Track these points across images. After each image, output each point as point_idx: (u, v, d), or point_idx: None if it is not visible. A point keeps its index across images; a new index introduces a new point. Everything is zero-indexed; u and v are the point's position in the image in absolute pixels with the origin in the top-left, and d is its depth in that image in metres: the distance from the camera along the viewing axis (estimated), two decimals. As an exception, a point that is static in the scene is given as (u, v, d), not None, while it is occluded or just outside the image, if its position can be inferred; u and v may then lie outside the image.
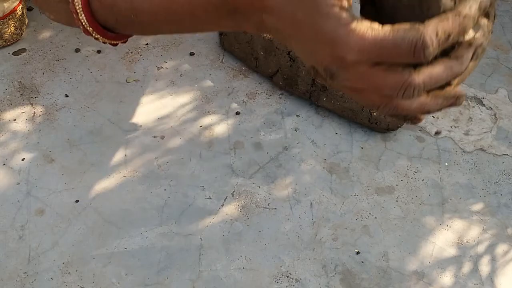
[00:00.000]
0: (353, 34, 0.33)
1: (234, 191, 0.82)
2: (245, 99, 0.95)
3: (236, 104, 0.94)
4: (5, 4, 0.93)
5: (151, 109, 0.91)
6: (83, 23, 0.46)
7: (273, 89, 0.97)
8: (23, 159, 0.83)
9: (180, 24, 0.44)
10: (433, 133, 0.87)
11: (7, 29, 0.95)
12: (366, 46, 0.33)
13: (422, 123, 0.91)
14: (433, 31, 0.32)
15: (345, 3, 0.33)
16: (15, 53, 0.98)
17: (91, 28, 0.46)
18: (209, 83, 0.97)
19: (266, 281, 0.72)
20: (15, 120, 0.88)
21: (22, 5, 0.97)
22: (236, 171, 0.84)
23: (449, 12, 0.33)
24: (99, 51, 1.00)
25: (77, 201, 0.79)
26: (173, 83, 0.96)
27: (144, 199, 0.79)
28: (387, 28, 0.32)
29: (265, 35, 0.94)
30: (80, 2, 0.45)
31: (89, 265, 0.72)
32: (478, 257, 0.76)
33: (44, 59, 0.97)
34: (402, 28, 0.32)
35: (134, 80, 0.95)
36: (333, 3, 0.33)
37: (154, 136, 0.88)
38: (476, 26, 0.34)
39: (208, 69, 0.99)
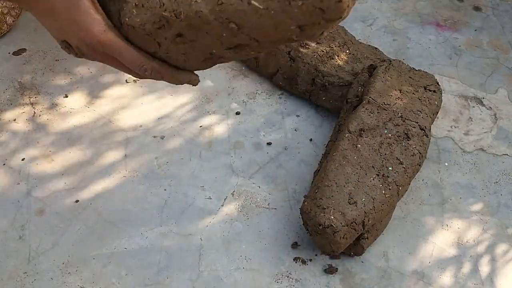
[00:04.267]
0: (105, 34, 0.48)
1: (234, 191, 0.82)
2: (245, 99, 0.95)
3: (236, 104, 0.94)
4: None
5: (151, 109, 0.91)
6: None
7: (273, 89, 0.97)
8: (23, 159, 0.83)
9: None
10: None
11: None
12: (110, 46, 0.48)
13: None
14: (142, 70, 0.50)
15: (99, 8, 0.48)
16: (15, 53, 0.98)
17: None
18: (209, 83, 0.97)
19: (266, 281, 0.72)
20: (15, 120, 0.88)
21: None
22: (236, 171, 0.84)
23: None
24: (99, 51, 1.00)
25: (77, 201, 0.79)
26: (173, 83, 0.96)
27: (144, 199, 0.79)
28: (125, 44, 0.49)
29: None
30: None
31: (89, 265, 0.72)
32: (478, 257, 0.76)
33: (44, 59, 0.97)
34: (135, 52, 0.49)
35: (134, 80, 0.95)
36: (90, 6, 0.47)
37: (154, 136, 0.88)
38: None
39: (208, 69, 0.99)
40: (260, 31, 0.44)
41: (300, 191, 0.82)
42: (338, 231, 0.69)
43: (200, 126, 0.90)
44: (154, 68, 0.52)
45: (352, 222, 0.69)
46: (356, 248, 0.73)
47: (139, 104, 0.92)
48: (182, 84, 0.55)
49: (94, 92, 0.93)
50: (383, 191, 0.72)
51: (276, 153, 0.87)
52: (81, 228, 0.76)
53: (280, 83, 0.95)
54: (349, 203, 0.70)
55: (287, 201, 0.81)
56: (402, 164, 0.74)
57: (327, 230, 0.69)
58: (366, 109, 0.80)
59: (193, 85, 0.56)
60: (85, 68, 0.96)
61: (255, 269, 0.73)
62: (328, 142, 0.84)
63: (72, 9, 0.47)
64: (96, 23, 0.48)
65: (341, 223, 0.69)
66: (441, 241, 0.78)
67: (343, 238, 0.69)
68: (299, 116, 0.93)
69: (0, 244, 0.73)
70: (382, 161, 0.74)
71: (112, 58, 0.51)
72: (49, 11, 0.48)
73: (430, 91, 0.85)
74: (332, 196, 0.70)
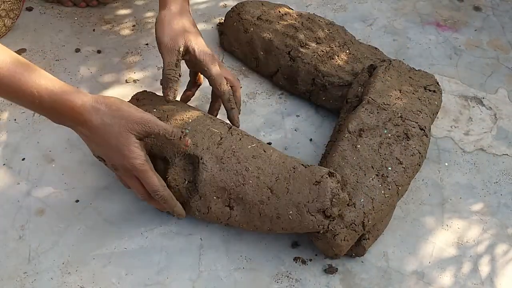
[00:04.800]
0: (143, 166, 0.67)
1: (234, 191, 0.81)
2: (245, 99, 0.95)
3: (236, 104, 0.94)
4: None
5: (151, 109, 0.91)
6: None
7: (273, 89, 0.97)
8: (23, 159, 0.83)
9: (12, 98, 0.65)
10: None
11: None
12: (143, 173, 0.67)
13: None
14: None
15: (142, 147, 0.67)
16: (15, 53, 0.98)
17: None
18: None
19: (266, 281, 0.72)
20: (15, 120, 0.88)
21: None
22: (236, 171, 0.84)
23: None
24: (99, 51, 1.00)
25: (77, 201, 0.79)
26: (173, 83, 0.96)
27: (144, 199, 0.79)
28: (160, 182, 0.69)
29: (264, 35, 0.94)
30: None
31: (89, 265, 0.72)
32: (478, 257, 0.76)
33: (44, 59, 0.97)
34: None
35: (134, 80, 0.95)
36: (138, 146, 0.66)
37: (154, 136, 0.88)
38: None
39: (208, 69, 0.99)
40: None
41: (300, 191, 0.82)
42: (338, 234, 0.69)
43: (200, 126, 0.90)
44: (163, 196, 0.69)
45: (351, 224, 0.69)
46: (357, 249, 0.73)
47: (139, 104, 0.92)
48: (173, 213, 0.72)
49: (94, 92, 0.93)
50: (383, 191, 0.72)
51: (276, 153, 0.87)
52: (81, 228, 0.76)
53: (280, 83, 0.95)
54: (348, 205, 0.70)
55: (287, 201, 0.81)
56: (401, 164, 0.74)
57: (326, 234, 0.69)
58: (366, 109, 0.80)
59: (178, 217, 0.73)
60: (85, 68, 0.97)
61: (255, 269, 0.73)
62: (328, 142, 0.84)
63: (123, 145, 0.65)
64: (139, 158, 0.66)
65: (340, 226, 0.69)
66: (441, 241, 0.78)
67: (344, 240, 0.69)
68: (299, 116, 0.93)
69: (0, 244, 0.74)
70: (382, 161, 0.74)
71: (136, 180, 0.68)
72: (102, 142, 0.65)
73: (430, 91, 0.85)
74: None
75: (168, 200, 0.69)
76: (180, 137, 0.69)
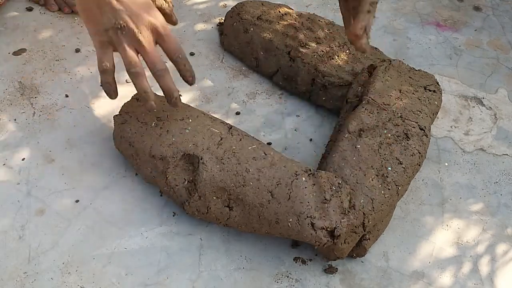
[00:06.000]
0: (167, 26, 0.72)
1: (234, 191, 0.81)
2: (245, 99, 0.95)
3: (236, 104, 0.94)
4: None
5: (151, 109, 0.91)
6: None
7: (273, 89, 0.97)
8: (23, 159, 0.83)
9: None
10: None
11: None
12: (167, 29, 0.71)
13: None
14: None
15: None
16: (15, 53, 0.98)
17: None
18: (209, 83, 0.97)
19: (266, 281, 0.72)
20: (15, 120, 0.88)
21: None
22: (236, 171, 0.84)
23: None
24: (99, 51, 1.00)
25: (77, 201, 0.79)
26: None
27: (144, 199, 0.79)
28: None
29: (264, 35, 0.94)
30: None
31: (89, 265, 0.72)
32: (478, 257, 0.76)
33: (44, 59, 0.97)
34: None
35: (134, 80, 0.95)
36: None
37: (154, 136, 0.88)
38: None
39: (208, 69, 0.99)
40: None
41: (300, 191, 0.82)
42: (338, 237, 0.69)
43: (200, 126, 0.90)
44: (184, 56, 0.72)
45: (351, 225, 0.69)
46: (358, 250, 0.73)
47: (139, 104, 0.92)
48: (170, 92, 0.72)
49: (94, 92, 0.93)
50: (382, 192, 0.72)
51: (276, 153, 0.87)
52: (81, 228, 0.76)
53: (280, 83, 0.95)
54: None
55: (287, 201, 0.81)
56: (401, 164, 0.74)
57: None
58: (365, 109, 0.80)
59: (172, 101, 0.73)
60: (85, 68, 0.97)
61: (255, 269, 0.73)
62: (328, 142, 0.84)
63: (151, 5, 0.71)
64: (162, 18, 0.72)
65: None
66: (441, 241, 0.78)
67: (345, 243, 0.69)
68: (299, 116, 0.93)
69: (0, 244, 0.74)
70: (382, 161, 0.74)
71: (143, 44, 0.72)
72: (132, 3, 0.69)
73: (430, 91, 0.85)
74: None
75: (186, 59, 0.74)
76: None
